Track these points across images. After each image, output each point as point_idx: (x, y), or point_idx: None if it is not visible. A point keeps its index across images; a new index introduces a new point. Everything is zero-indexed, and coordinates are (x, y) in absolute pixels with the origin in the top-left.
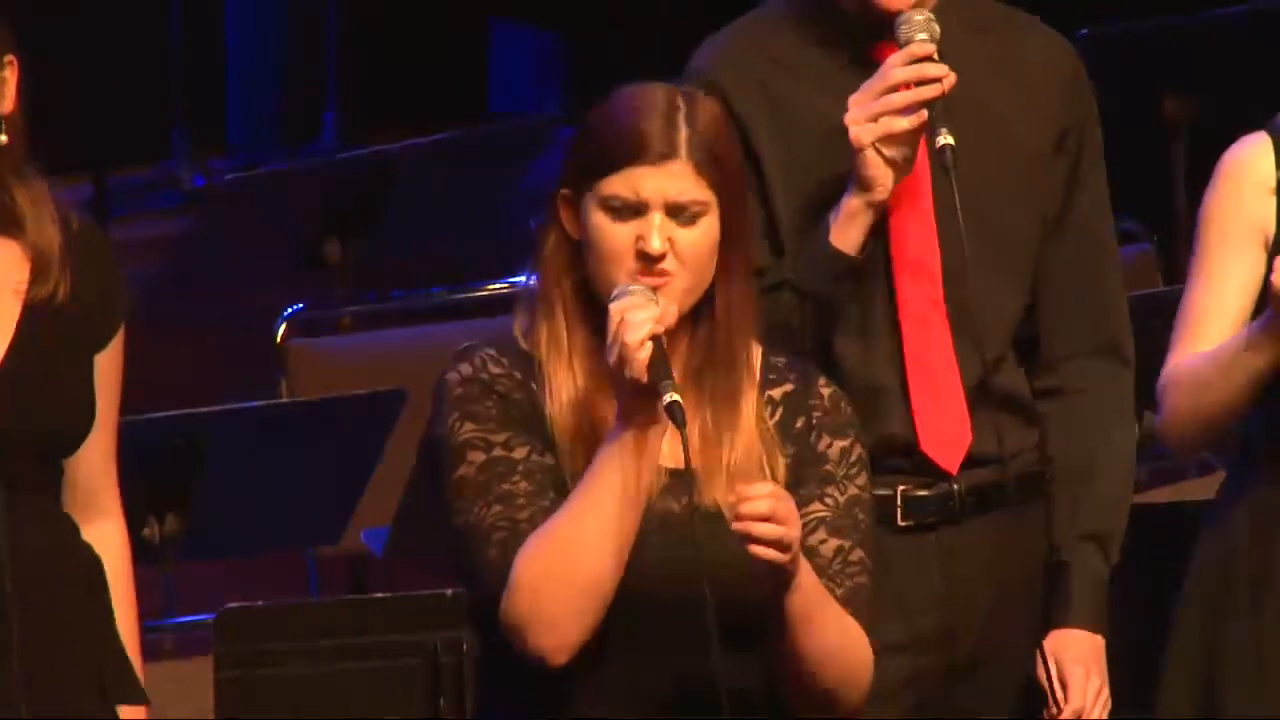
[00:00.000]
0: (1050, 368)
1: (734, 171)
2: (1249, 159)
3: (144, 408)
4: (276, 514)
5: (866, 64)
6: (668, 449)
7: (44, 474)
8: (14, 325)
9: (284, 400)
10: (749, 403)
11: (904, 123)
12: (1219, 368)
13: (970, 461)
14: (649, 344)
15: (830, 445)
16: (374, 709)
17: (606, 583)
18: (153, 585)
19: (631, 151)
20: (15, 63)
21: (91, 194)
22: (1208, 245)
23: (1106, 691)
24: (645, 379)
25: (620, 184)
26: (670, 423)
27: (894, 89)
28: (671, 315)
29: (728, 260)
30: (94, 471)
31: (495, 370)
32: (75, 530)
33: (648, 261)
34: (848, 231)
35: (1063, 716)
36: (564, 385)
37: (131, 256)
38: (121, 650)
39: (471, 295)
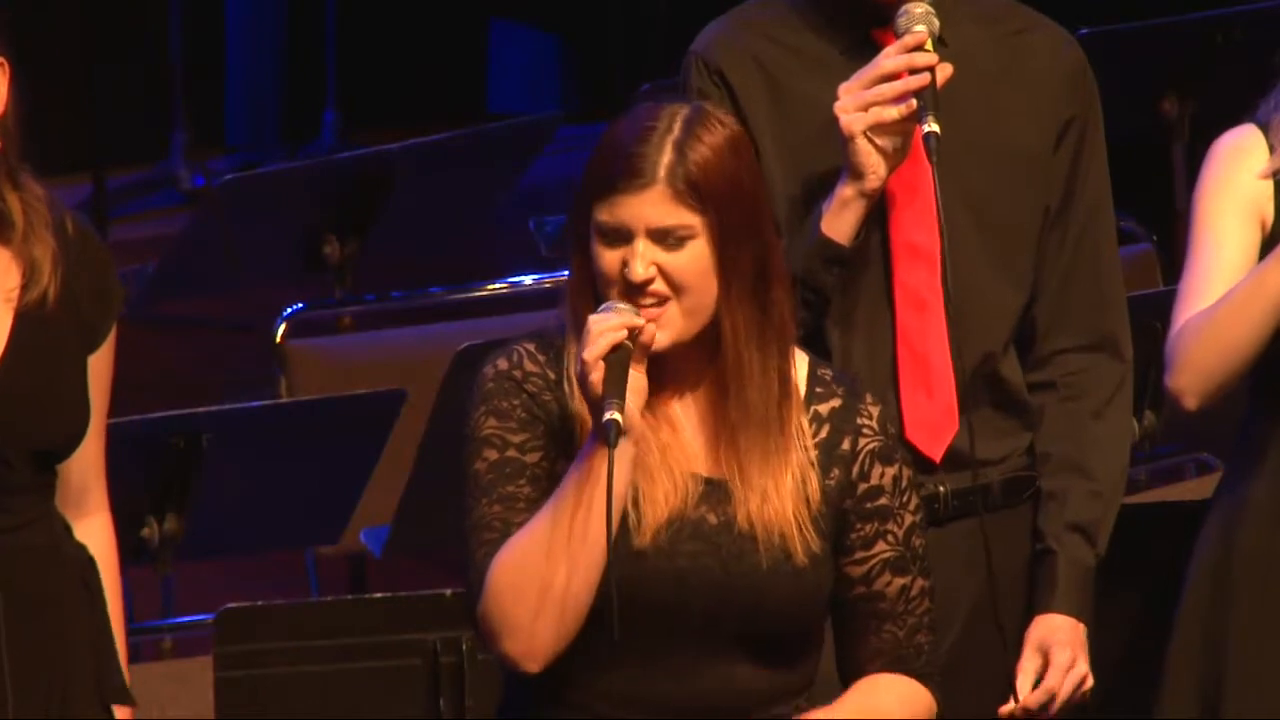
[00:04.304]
0: (1045, 361)
1: (729, 192)
2: (1242, 145)
3: (144, 408)
4: (276, 514)
5: (866, 50)
6: (692, 456)
7: (40, 477)
8: (7, 333)
9: (284, 400)
10: (789, 421)
11: (894, 112)
12: (1236, 301)
13: (957, 464)
14: (601, 363)
15: (884, 475)
16: (374, 709)
17: (572, 593)
18: (153, 585)
19: (612, 178)
20: (6, 66)
21: (91, 194)
22: (1206, 219)
23: (1083, 668)
24: (598, 394)
25: (604, 210)
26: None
27: (885, 78)
28: (663, 339)
29: (728, 276)
30: (85, 469)
31: (530, 367)
32: (69, 531)
33: (633, 290)
34: (840, 220)
35: (1035, 695)
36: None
37: (131, 256)
38: (115, 650)
39: (471, 295)
